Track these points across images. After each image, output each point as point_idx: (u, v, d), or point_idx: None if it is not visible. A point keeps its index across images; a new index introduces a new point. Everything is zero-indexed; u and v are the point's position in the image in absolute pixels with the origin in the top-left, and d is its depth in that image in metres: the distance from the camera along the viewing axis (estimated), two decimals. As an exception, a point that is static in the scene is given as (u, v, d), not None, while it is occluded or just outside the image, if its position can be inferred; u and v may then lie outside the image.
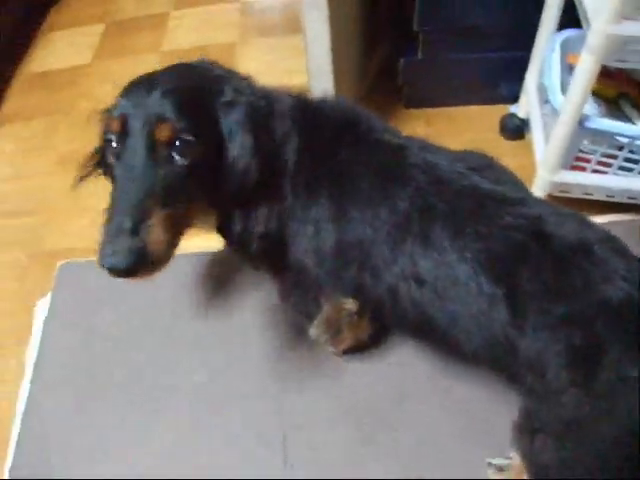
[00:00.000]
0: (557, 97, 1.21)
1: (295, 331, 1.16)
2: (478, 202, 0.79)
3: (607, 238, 0.76)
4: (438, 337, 0.86)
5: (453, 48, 1.49)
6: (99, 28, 2.19)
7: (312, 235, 0.85)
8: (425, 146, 0.87)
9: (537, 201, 0.84)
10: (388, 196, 0.81)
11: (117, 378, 1.18)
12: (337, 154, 0.84)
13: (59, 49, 2.15)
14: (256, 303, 1.23)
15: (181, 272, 1.30)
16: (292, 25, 1.99)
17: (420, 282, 0.80)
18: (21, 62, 2.10)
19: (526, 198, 0.82)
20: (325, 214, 0.84)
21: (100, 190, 1.53)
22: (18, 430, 1.13)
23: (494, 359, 0.83)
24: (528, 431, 0.79)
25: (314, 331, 1.02)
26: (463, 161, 0.84)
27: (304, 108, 0.86)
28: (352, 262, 0.85)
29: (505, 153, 1.45)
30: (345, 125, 0.86)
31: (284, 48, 1.92)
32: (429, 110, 1.62)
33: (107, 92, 1.83)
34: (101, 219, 0.65)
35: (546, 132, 1.30)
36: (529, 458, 0.82)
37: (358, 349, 1.12)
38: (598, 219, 1.19)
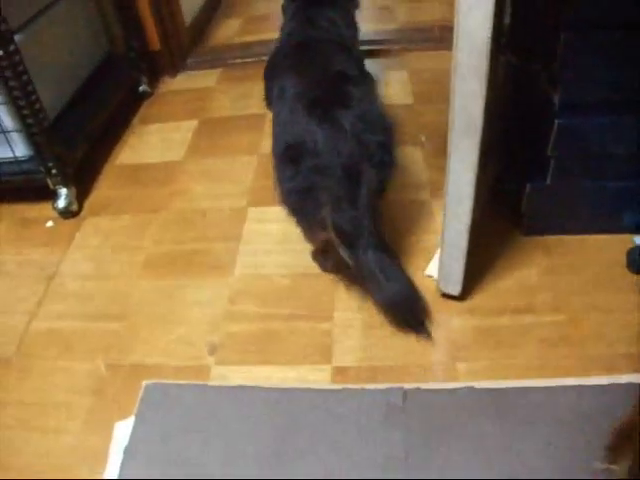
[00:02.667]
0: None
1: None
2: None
3: None
4: None
5: (583, 174, 1.40)
6: (192, 124, 2.17)
7: None
8: None
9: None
10: None
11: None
12: None
13: (151, 143, 2.12)
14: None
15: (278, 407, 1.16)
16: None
17: None
18: (111, 153, 2.07)
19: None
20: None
21: (188, 300, 1.47)
22: None
23: None
24: None
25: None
26: None
27: None
28: None
29: (631, 289, 1.32)
30: None
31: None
32: (549, 238, 1.49)
33: (200, 192, 1.82)
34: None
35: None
36: None
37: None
38: None
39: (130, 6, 2.26)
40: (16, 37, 1.54)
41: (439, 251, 1.32)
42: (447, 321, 1.31)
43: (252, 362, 1.28)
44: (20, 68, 1.49)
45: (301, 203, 1.23)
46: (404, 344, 1.27)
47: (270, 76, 1.45)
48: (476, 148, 1.03)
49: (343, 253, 1.21)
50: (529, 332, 1.27)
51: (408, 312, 1.25)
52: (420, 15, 2.81)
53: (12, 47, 1.47)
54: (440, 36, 2.52)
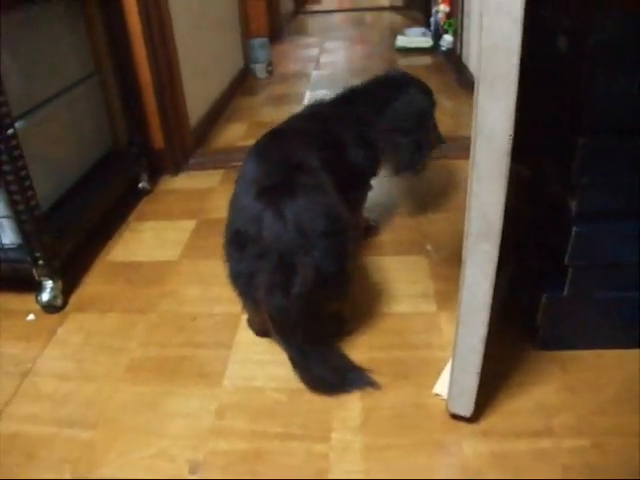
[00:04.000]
0: None
1: None
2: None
3: None
4: None
5: (602, 285, 1.32)
6: (190, 225, 2.12)
7: None
8: None
9: None
10: None
11: None
12: None
13: (146, 241, 2.05)
14: None
15: None
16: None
17: None
18: (103, 248, 2.00)
19: None
20: None
21: (171, 410, 1.34)
22: None
23: None
24: None
25: None
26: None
27: None
28: None
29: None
30: None
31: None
32: (564, 353, 1.39)
33: (192, 295, 1.72)
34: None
35: None
36: None
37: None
38: None
39: (137, 103, 2.29)
40: (18, 123, 1.52)
41: (448, 367, 1.22)
42: (458, 445, 1.19)
43: (238, 485, 1.13)
44: (16, 153, 1.45)
45: (244, 287, 1.30)
46: (410, 468, 1.14)
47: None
48: (494, 254, 0.95)
49: (274, 338, 1.34)
50: (550, 458, 1.14)
51: (333, 390, 1.31)
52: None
53: (10, 131, 1.43)
54: (444, 146, 2.52)
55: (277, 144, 1.44)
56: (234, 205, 1.32)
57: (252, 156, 1.38)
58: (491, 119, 0.84)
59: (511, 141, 0.86)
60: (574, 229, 1.23)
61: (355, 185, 1.59)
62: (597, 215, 1.23)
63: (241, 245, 1.25)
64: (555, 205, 1.30)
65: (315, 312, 1.29)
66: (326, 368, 1.32)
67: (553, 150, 1.32)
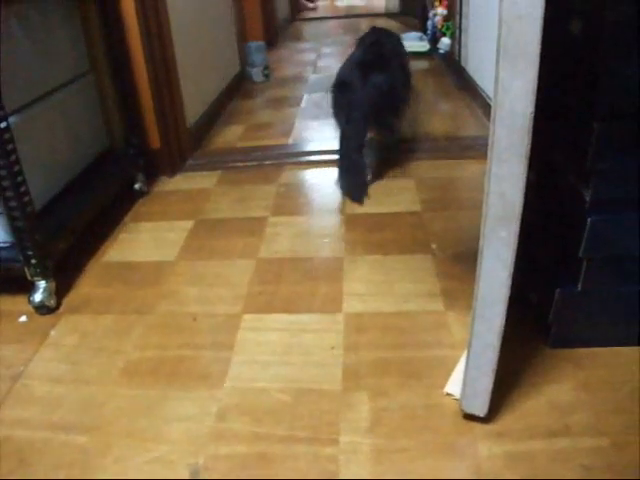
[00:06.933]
0: None
1: None
2: None
3: None
4: None
5: (617, 279, 1.28)
6: (187, 225, 2.07)
7: None
8: None
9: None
10: None
11: None
12: None
13: (142, 241, 2.00)
14: None
15: None
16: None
17: None
18: (98, 249, 1.94)
19: None
20: None
21: (170, 414, 1.28)
22: None
23: None
24: None
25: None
26: None
27: None
28: None
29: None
30: None
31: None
32: (578, 351, 1.34)
33: (191, 295, 1.67)
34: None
35: None
36: None
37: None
38: None
39: (133, 102, 2.24)
40: (12, 118, 1.47)
41: (460, 366, 1.16)
42: (472, 446, 1.13)
43: (241, 491, 1.08)
44: (9, 147, 1.39)
45: (339, 112, 2.16)
46: (423, 471, 1.08)
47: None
48: (514, 240, 0.91)
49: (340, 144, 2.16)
50: (568, 459, 1.09)
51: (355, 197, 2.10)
52: (422, 127, 2.82)
53: (4, 124, 1.38)
54: (446, 146, 2.50)
55: (373, 47, 2.35)
56: (343, 67, 2.24)
57: (359, 48, 2.42)
58: (512, 95, 0.80)
59: (532, 119, 0.81)
60: (589, 219, 1.18)
61: (400, 94, 2.33)
62: (613, 204, 1.18)
63: (342, 89, 2.14)
64: (567, 197, 1.26)
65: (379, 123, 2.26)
66: (353, 183, 2.12)
67: (565, 139, 1.28)
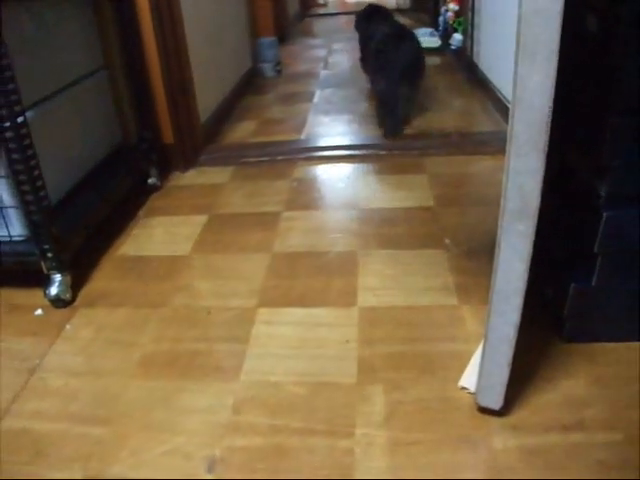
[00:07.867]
0: None
1: None
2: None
3: None
4: None
5: (632, 274, 1.26)
6: (201, 219, 2.08)
7: None
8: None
9: None
10: None
11: None
12: None
13: (156, 236, 2.01)
14: None
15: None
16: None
17: None
18: (113, 243, 1.95)
19: None
20: None
21: (186, 406, 1.29)
22: None
23: None
24: None
25: None
26: None
27: None
28: None
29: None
30: None
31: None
32: (592, 346, 1.34)
33: (205, 289, 1.68)
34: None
35: None
36: None
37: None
38: None
39: (147, 98, 2.25)
40: (28, 113, 1.48)
41: (474, 360, 1.17)
42: (487, 440, 1.13)
43: (258, 483, 1.08)
44: (26, 142, 1.41)
45: (377, 72, 2.76)
46: (438, 464, 1.08)
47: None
48: (531, 234, 0.91)
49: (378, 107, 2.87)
50: (583, 453, 1.09)
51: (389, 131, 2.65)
52: (434, 123, 2.82)
53: (21, 119, 1.39)
54: (459, 141, 2.49)
55: (394, 23, 3.05)
56: (375, 40, 2.77)
57: (386, 24, 3.00)
58: (531, 90, 0.80)
59: (551, 113, 0.81)
60: (604, 214, 1.18)
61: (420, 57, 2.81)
62: (628, 199, 1.18)
63: (379, 56, 2.67)
64: (582, 192, 1.25)
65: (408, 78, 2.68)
66: (392, 121, 2.65)
67: (580, 134, 1.27)
